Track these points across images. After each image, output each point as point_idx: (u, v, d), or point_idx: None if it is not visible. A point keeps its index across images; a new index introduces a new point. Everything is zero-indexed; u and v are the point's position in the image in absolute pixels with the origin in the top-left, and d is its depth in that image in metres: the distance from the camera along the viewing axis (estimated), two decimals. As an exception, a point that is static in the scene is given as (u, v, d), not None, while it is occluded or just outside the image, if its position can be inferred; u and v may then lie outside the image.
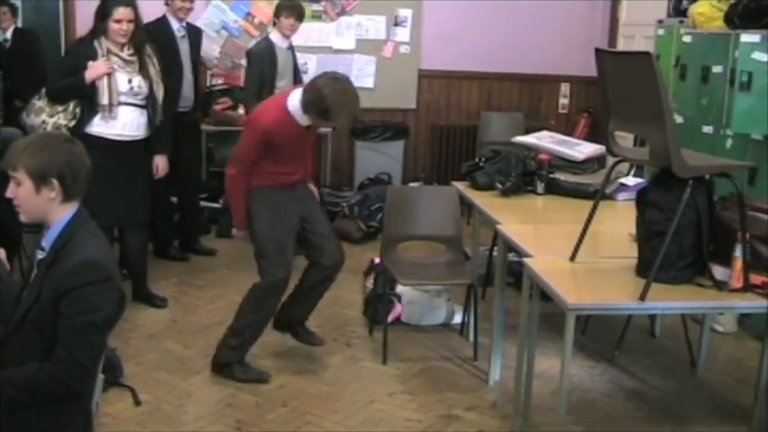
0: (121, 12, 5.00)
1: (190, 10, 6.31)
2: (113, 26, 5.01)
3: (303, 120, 4.31)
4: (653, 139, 3.24)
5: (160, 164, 5.43)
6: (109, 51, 5.03)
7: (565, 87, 8.87)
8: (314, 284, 4.71)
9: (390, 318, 5.22)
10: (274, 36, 6.41)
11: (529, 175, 5.09)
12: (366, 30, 8.06)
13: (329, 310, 5.59)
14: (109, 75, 4.99)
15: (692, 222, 3.31)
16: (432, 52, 8.47)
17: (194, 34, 6.45)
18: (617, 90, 3.39)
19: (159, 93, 5.26)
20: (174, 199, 6.67)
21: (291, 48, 6.60)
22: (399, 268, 5.00)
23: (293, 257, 4.56)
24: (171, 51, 6.09)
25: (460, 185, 5.24)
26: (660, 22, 6.69)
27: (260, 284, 4.52)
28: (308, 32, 8.11)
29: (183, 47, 6.25)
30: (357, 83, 6.96)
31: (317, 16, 8.21)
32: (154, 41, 5.94)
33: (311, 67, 7.85)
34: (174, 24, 6.21)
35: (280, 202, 4.48)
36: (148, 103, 5.18)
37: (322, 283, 4.71)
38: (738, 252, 3.28)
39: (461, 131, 8.58)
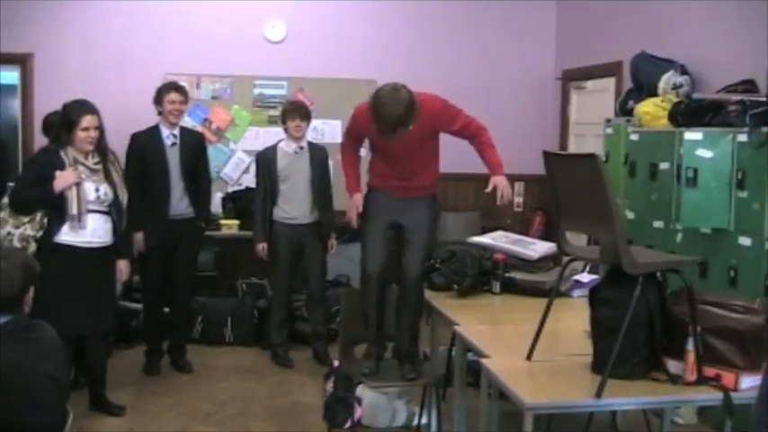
0: (88, 119, 5.06)
1: (181, 113, 6.32)
2: (81, 135, 5.05)
3: None
4: (602, 238, 3.31)
5: (123, 268, 5.43)
6: (75, 161, 5.07)
7: (519, 186, 9.01)
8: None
9: (351, 421, 5.19)
10: (283, 141, 6.67)
11: (485, 275, 5.12)
12: (322, 133, 8.15)
13: (289, 416, 5.56)
14: (77, 184, 5.01)
15: (645, 318, 3.36)
16: (387, 154, 8.57)
17: (191, 141, 6.42)
18: (566, 191, 3.48)
19: (123, 198, 5.29)
20: (166, 309, 6.58)
21: (317, 150, 6.79)
22: (357, 370, 4.99)
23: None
24: (158, 159, 6.15)
25: (418, 286, 5.28)
26: (608, 121, 6.87)
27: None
28: (265, 136, 8.21)
29: (173, 154, 6.23)
30: (313, 185, 7.08)
31: (273, 121, 8.33)
32: (142, 150, 6.06)
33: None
34: (165, 132, 6.23)
35: (381, 203, 4.84)
36: (112, 209, 5.19)
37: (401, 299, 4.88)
38: (691, 345, 3.32)
39: (418, 231, 8.62)
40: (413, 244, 4.77)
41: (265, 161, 6.65)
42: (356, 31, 8.56)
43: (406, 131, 4.51)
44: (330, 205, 6.73)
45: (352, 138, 5.02)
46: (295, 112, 6.59)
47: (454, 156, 8.53)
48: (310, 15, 8.46)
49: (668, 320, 3.44)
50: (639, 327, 3.36)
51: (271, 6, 8.41)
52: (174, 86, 6.31)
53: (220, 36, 8.26)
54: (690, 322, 3.34)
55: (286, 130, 6.64)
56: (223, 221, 7.71)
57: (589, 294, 3.57)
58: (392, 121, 4.40)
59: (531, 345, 3.63)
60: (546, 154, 3.52)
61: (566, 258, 3.83)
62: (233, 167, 8.37)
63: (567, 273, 5.28)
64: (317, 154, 6.75)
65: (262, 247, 6.64)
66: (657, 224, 5.86)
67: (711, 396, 3.34)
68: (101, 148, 5.19)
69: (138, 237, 6.05)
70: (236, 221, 7.72)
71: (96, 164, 5.15)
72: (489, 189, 4.92)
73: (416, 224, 4.80)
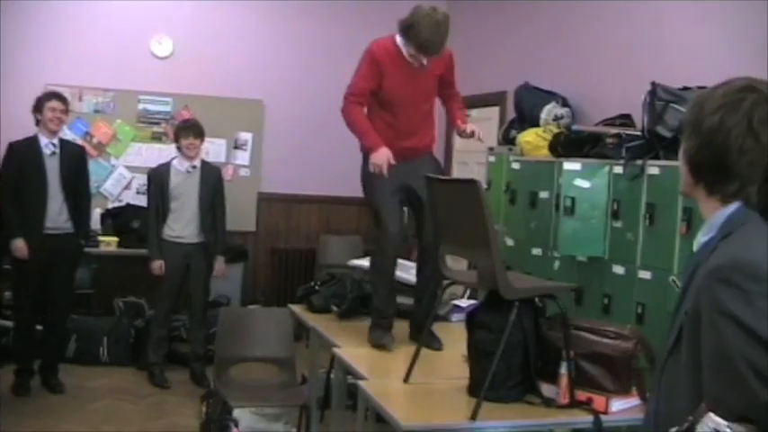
0: None
1: (61, 121, 6.16)
2: None
3: (405, 49, 4.32)
4: (480, 263, 3.37)
5: None
6: None
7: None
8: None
9: (227, 444, 5.13)
10: (176, 159, 6.60)
11: (365, 298, 5.11)
12: (206, 152, 8.05)
13: (164, 438, 5.45)
14: None
15: (520, 342, 3.42)
16: (272, 175, 8.60)
17: (71, 152, 6.25)
18: (446, 215, 3.52)
19: None
20: (39, 327, 6.36)
21: (210, 169, 6.78)
22: (232, 391, 4.94)
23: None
24: (35, 168, 5.97)
25: (297, 308, 5.28)
26: (491, 149, 6.98)
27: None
28: (148, 154, 8.12)
29: (51, 165, 6.05)
30: (197, 205, 7.00)
31: (156, 138, 8.24)
32: (19, 160, 5.88)
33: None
34: (43, 141, 6.04)
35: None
36: None
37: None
38: (564, 369, 3.39)
39: (301, 254, 8.66)
40: (426, 209, 4.35)
41: (158, 178, 6.58)
42: (245, 50, 8.51)
43: (427, 69, 4.41)
44: (219, 226, 6.68)
45: (364, 89, 4.44)
46: (189, 130, 6.55)
47: (338, 179, 8.67)
48: (198, 32, 8.39)
49: (543, 345, 3.51)
50: (515, 351, 3.41)
51: (158, 21, 8.29)
52: (55, 94, 6.17)
53: (106, 49, 8.11)
54: (563, 347, 3.42)
55: (179, 148, 6.56)
56: (102, 238, 7.54)
57: (467, 318, 3.61)
58: (443, 31, 4.21)
59: (408, 367, 3.65)
60: (428, 179, 3.56)
61: (445, 282, 3.88)
62: (114, 183, 8.21)
63: (447, 297, 5.36)
64: (209, 173, 6.70)
65: (159, 265, 6.55)
66: (536, 251, 5.97)
67: (582, 419, 3.41)
68: None
69: (19, 243, 5.88)
70: (115, 239, 7.58)
71: None
72: (469, 131, 4.58)
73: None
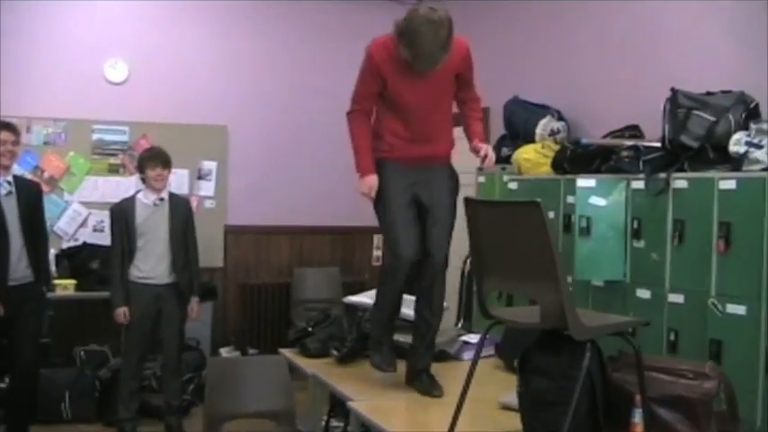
0: None
1: (14, 154, 5.59)
2: None
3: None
4: (543, 299, 2.88)
5: None
6: None
7: (377, 239, 8.60)
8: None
9: None
10: (141, 192, 6.10)
11: (365, 339, 4.61)
12: (169, 184, 7.51)
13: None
14: None
15: (586, 388, 2.95)
16: (239, 207, 8.11)
17: (27, 191, 5.66)
18: (493, 244, 3.03)
19: None
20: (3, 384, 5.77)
21: (179, 201, 6.29)
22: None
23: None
24: None
25: (289, 353, 4.82)
26: (480, 169, 6.54)
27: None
28: (105, 187, 7.60)
29: (9, 205, 5.44)
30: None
31: (114, 170, 7.70)
32: None
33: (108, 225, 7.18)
34: None
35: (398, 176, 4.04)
36: None
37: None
38: (638, 417, 2.95)
39: (274, 289, 8.15)
40: (437, 224, 4.04)
41: (122, 214, 6.02)
42: (205, 73, 8.01)
43: (437, 70, 3.82)
44: (192, 264, 6.16)
45: (366, 94, 4.04)
46: (155, 159, 6.01)
47: (308, 207, 8.19)
48: (155, 55, 7.83)
49: (610, 389, 3.04)
50: (581, 398, 2.93)
51: (112, 44, 7.73)
52: (4, 124, 5.59)
53: (55, 75, 7.51)
54: (634, 391, 2.96)
55: (144, 180, 6.03)
56: (58, 281, 6.92)
57: (519, 364, 3.12)
58: (436, 45, 3.68)
59: (450, 424, 3.15)
60: (468, 201, 3.07)
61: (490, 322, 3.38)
62: (68, 221, 7.61)
63: (454, 334, 4.91)
64: (179, 206, 6.18)
65: (123, 312, 5.95)
66: (544, 277, 5.54)
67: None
68: None
69: None
70: (72, 281, 6.98)
71: None
72: (482, 154, 4.16)
73: (438, 200, 4.07)
